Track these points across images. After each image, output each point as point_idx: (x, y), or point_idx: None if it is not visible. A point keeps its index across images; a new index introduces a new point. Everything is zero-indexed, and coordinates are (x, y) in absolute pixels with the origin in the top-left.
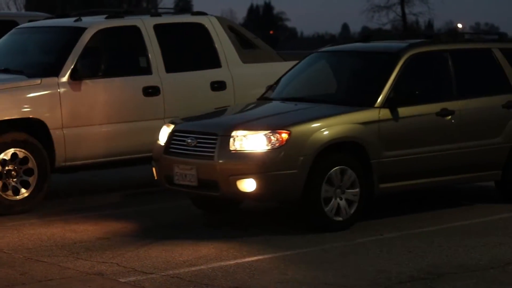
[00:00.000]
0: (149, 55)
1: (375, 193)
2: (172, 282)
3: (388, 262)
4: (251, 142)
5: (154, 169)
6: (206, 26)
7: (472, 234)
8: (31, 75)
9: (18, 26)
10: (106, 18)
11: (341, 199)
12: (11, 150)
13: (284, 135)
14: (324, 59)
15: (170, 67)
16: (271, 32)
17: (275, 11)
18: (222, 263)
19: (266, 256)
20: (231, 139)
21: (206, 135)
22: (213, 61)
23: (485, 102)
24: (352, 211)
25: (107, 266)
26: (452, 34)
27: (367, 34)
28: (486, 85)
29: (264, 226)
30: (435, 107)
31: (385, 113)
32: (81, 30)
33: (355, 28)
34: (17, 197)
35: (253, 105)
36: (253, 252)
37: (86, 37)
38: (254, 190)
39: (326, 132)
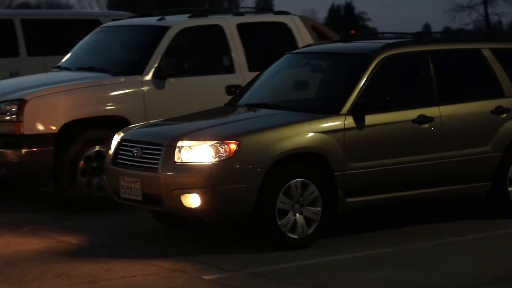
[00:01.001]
0: (232, 54)
1: (341, 207)
2: (255, 280)
3: (472, 263)
4: (196, 153)
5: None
6: (289, 25)
7: None
8: (115, 73)
9: (102, 25)
10: (189, 17)
11: (300, 213)
12: (96, 148)
13: (233, 146)
14: (296, 61)
15: (253, 66)
16: (352, 32)
17: (356, 11)
18: (305, 262)
19: (349, 255)
20: (176, 150)
21: (151, 145)
22: None
23: (471, 107)
24: (314, 226)
25: (191, 263)
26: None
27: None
28: (473, 89)
29: (352, 226)
30: (412, 114)
31: (352, 120)
32: (165, 28)
33: (436, 28)
34: (103, 193)
35: (209, 112)
36: (336, 251)
37: (169, 36)
38: (199, 206)
39: (281, 143)
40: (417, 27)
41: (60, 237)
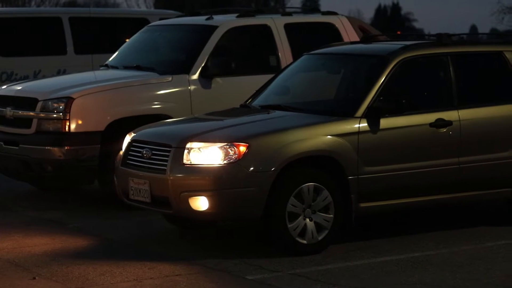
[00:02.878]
0: (279, 54)
1: (354, 212)
2: (298, 281)
3: None
4: (205, 155)
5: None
6: (337, 26)
7: None
8: (162, 72)
9: (150, 24)
10: (237, 16)
11: (311, 219)
12: None
13: (242, 148)
14: (314, 62)
15: None
16: (398, 32)
17: (403, 11)
18: (349, 263)
19: (393, 258)
20: (185, 152)
21: (160, 146)
22: None
23: (491, 111)
24: (324, 233)
25: (234, 263)
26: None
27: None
28: (494, 93)
29: (395, 228)
30: (429, 118)
31: (367, 124)
32: (213, 28)
33: (483, 30)
34: None
35: (222, 113)
36: (379, 253)
37: (217, 35)
38: (207, 209)
39: (292, 146)
40: (464, 29)
41: (105, 235)
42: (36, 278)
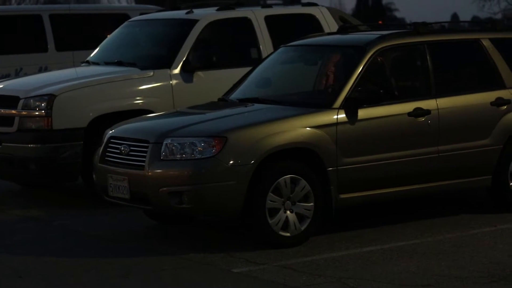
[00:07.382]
0: (260, 46)
1: (334, 204)
2: (284, 273)
3: (503, 254)
4: (183, 150)
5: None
6: (317, 17)
7: None
8: (144, 67)
9: (130, 19)
10: (217, 10)
11: (291, 211)
12: None
13: (220, 142)
14: (291, 54)
15: None
16: (379, 22)
17: (384, 1)
18: (335, 254)
19: (378, 247)
20: (163, 147)
21: (138, 142)
22: None
23: (470, 99)
24: (307, 223)
25: (220, 257)
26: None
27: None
28: (472, 81)
29: (380, 217)
30: (408, 107)
31: (345, 115)
32: (193, 22)
33: (465, 17)
34: None
35: (199, 108)
36: (364, 243)
37: (197, 29)
38: (186, 204)
39: (270, 138)
40: (446, 17)
41: (90, 231)
42: (22, 276)
